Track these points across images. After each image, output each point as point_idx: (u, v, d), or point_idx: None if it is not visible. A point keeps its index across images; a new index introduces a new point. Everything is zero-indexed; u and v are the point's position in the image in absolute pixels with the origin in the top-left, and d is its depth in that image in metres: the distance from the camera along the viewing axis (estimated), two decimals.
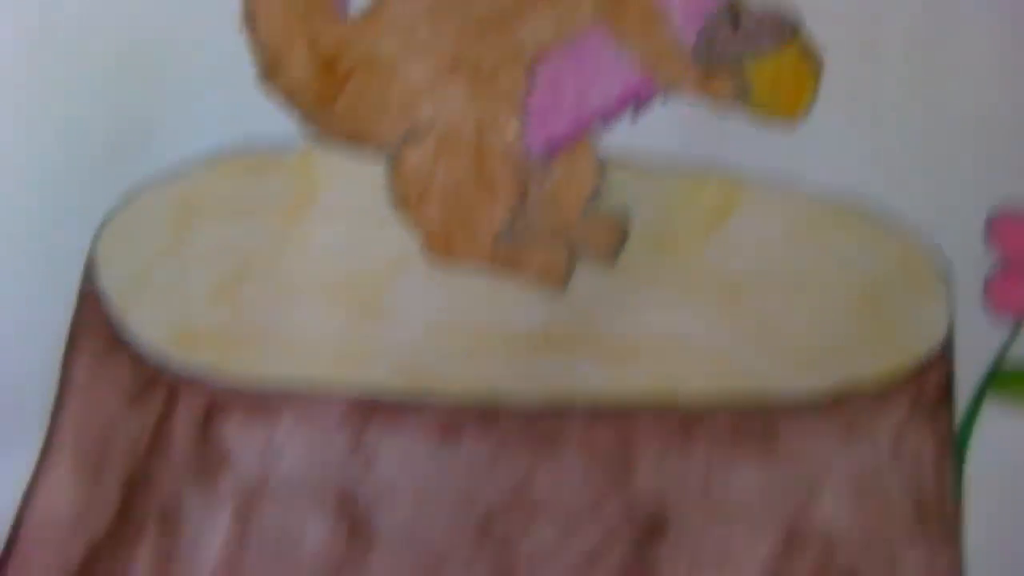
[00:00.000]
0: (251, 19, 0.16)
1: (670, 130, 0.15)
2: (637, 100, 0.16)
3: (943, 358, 0.15)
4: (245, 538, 0.15)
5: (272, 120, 0.16)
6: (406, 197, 0.16)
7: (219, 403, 0.16)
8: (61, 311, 0.16)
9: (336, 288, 0.15)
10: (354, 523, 0.15)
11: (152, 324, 0.16)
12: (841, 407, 0.15)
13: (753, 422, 0.15)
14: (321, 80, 0.16)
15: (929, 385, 0.15)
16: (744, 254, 0.15)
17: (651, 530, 0.15)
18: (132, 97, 0.16)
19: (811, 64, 0.16)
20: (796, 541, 0.15)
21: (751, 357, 0.15)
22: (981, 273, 0.15)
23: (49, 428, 0.16)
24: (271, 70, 0.16)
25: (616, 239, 0.15)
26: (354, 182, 0.16)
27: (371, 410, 0.15)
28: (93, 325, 0.16)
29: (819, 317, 0.15)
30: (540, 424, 0.15)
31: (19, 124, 0.16)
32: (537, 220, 0.15)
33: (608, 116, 0.16)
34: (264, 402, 0.16)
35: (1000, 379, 0.15)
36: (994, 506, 0.15)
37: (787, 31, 0.16)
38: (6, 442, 0.16)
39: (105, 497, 0.16)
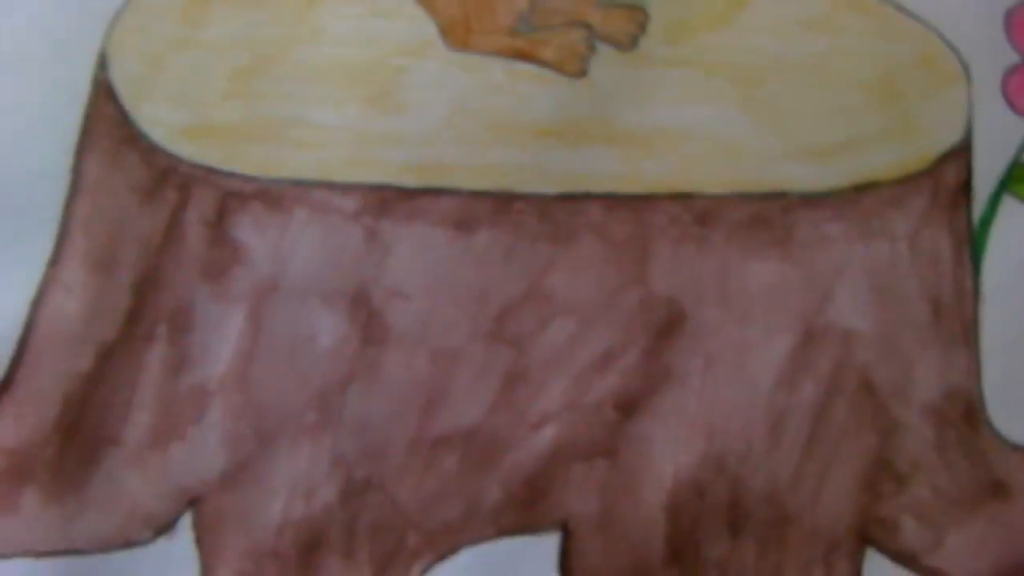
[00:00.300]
0: None
1: None
2: None
3: (961, 154, 0.15)
4: (257, 339, 0.16)
5: None
6: None
7: (232, 198, 0.16)
8: (73, 108, 0.16)
9: (351, 78, 0.15)
10: (368, 321, 0.15)
11: (165, 119, 0.16)
12: (858, 201, 0.15)
13: (769, 215, 0.15)
14: None
15: (947, 181, 0.15)
16: (761, 45, 0.15)
17: (668, 326, 0.15)
18: None
19: None
20: (813, 338, 0.15)
21: (767, 149, 0.15)
22: (1000, 69, 0.15)
23: (60, 227, 0.16)
24: None
25: (634, 27, 0.15)
26: None
27: (386, 202, 0.16)
28: (105, 121, 0.16)
29: (836, 109, 0.15)
30: (556, 214, 0.15)
31: None
32: (555, 7, 0.15)
33: None
34: (278, 196, 0.16)
35: (1019, 177, 0.15)
36: (1010, 307, 0.15)
37: None
38: (18, 242, 0.16)
39: (116, 299, 0.16)
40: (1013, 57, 0.15)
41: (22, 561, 0.15)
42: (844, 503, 0.15)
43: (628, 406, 0.15)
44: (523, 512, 0.15)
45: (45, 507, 0.15)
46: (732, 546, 0.15)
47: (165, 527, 0.15)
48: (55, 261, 0.16)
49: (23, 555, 0.15)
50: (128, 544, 0.15)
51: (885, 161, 0.15)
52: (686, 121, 0.15)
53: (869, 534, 0.15)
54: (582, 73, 0.16)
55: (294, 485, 0.15)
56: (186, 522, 0.15)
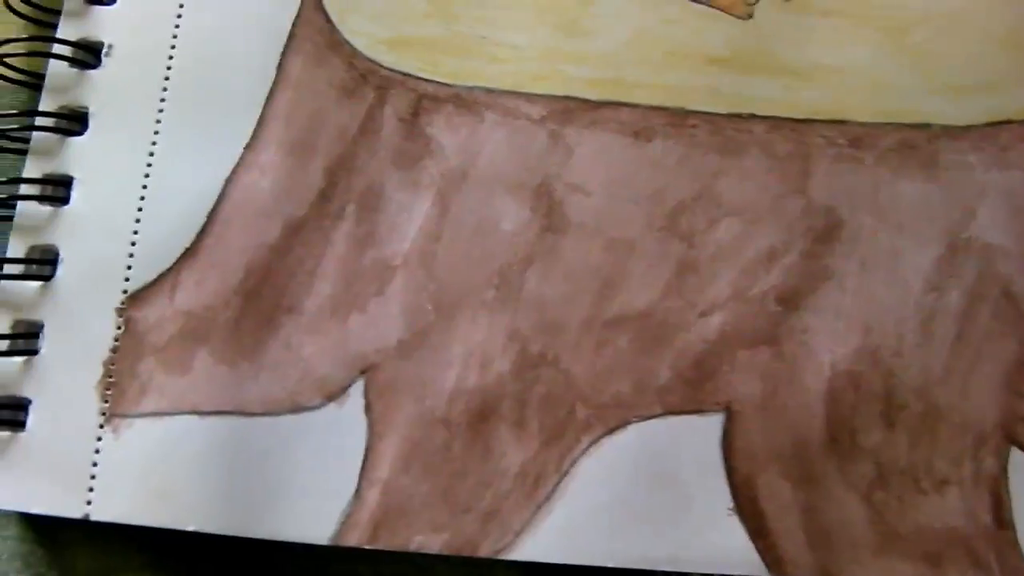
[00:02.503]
0: None
1: None
2: None
3: None
4: (443, 222, 0.19)
5: None
6: None
7: (427, 99, 0.20)
8: (285, 14, 0.20)
9: (541, 7, 0.20)
10: (549, 211, 0.19)
11: (367, 30, 0.20)
12: (995, 134, 0.19)
13: (915, 142, 0.19)
14: None
15: None
16: (906, 2, 0.20)
17: (826, 232, 0.19)
18: None
19: None
20: (958, 250, 0.19)
21: (913, 86, 0.19)
22: None
23: (261, 115, 0.20)
24: None
25: None
26: None
27: (569, 111, 0.19)
28: (312, 27, 0.20)
29: (974, 56, 0.20)
30: (724, 130, 0.19)
31: None
32: None
33: None
34: (470, 100, 0.19)
35: None
36: None
37: None
38: (220, 126, 0.19)
39: (309, 180, 0.19)
40: None
41: (188, 418, 0.18)
42: (990, 401, 0.18)
43: (789, 300, 0.18)
44: (689, 392, 0.18)
45: (216, 368, 0.18)
46: (886, 436, 0.18)
47: (336, 393, 0.18)
48: (252, 145, 0.19)
49: (189, 413, 0.18)
50: (296, 409, 0.18)
51: (1017, 102, 0.19)
52: (840, 60, 0.19)
53: (1013, 432, 0.18)
54: (748, 16, 0.20)
55: (469, 356, 0.18)
56: (356, 390, 0.18)
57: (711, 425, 0.17)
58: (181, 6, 0.20)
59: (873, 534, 0.17)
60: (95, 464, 0.17)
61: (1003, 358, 0.18)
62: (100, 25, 0.19)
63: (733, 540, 0.17)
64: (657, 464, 0.17)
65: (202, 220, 0.18)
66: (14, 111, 0.20)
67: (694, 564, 0.17)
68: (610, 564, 0.17)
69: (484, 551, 0.17)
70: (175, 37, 0.19)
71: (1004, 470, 0.18)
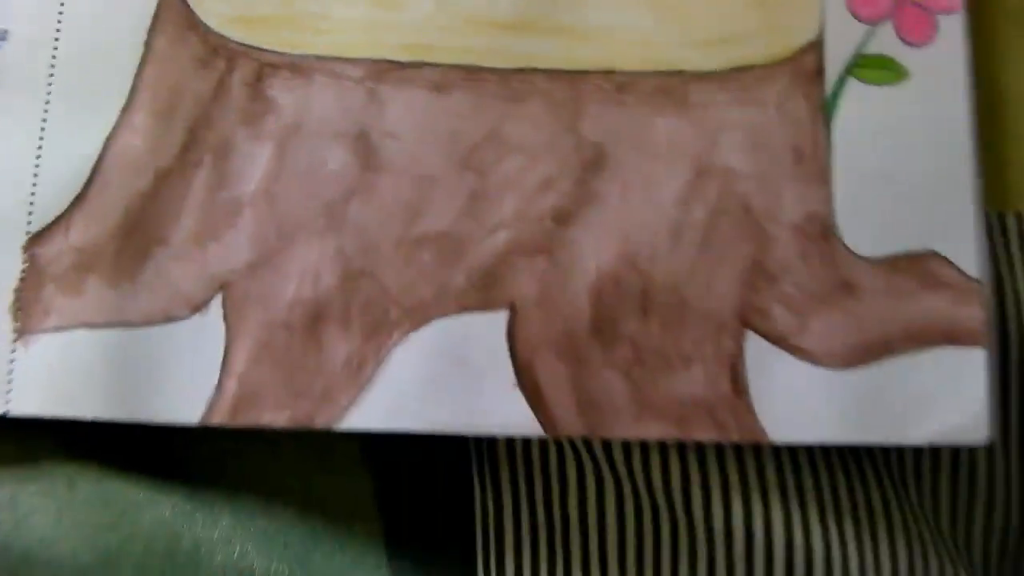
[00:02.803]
0: None
1: None
2: None
3: (816, 45, 0.24)
4: (281, 166, 0.24)
5: None
6: None
7: (267, 67, 0.24)
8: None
9: None
10: (367, 154, 0.24)
11: (218, 10, 0.25)
12: (738, 77, 0.24)
13: (671, 86, 0.24)
14: None
15: (806, 65, 0.24)
16: None
17: (594, 163, 0.24)
18: None
19: None
20: (703, 174, 0.23)
21: (670, 39, 0.24)
22: None
23: (132, 85, 0.24)
24: None
25: None
26: None
27: (384, 71, 0.24)
28: (172, 10, 0.24)
29: (724, 12, 0.24)
30: (511, 82, 0.24)
31: None
32: None
33: None
34: (302, 66, 0.24)
35: (858, 63, 0.24)
36: (852, 154, 0.24)
37: None
38: (98, 95, 0.24)
39: (172, 136, 0.24)
40: None
41: (81, 331, 0.23)
42: (728, 295, 0.23)
43: (562, 219, 0.23)
44: (480, 294, 0.23)
45: (103, 290, 0.23)
46: (642, 324, 0.23)
47: (199, 306, 0.23)
48: (126, 110, 0.24)
49: (82, 327, 0.23)
50: (169, 319, 0.23)
51: (758, 51, 0.24)
52: (610, 20, 0.24)
53: (748, 320, 0.23)
54: None
55: (304, 272, 0.23)
56: (216, 303, 0.23)
57: (498, 319, 0.22)
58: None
59: (631, 403, 0.22)
60: (11, 372, 0.22)
61: (740, 260, 0.23)
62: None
63: (517, 409, 0.22)
64: (455, 351, 0.22)
65: (88, 173, 0.23)
66: None
67: (487, 428, 0.22)
68: (418, 428, 0.22)
69: (319, 423, 0.22)
70: (59, 23, 0.24)
71: (741, 349, 0.22)
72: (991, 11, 0.25)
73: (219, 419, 0.22)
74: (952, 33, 0.24)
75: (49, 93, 0.24)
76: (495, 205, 0.22)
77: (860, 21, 0.24)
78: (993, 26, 0.25)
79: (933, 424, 0.22)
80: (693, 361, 0.22)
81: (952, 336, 0.22)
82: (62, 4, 0.24)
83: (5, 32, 0.24)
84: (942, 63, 0.23)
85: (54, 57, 0.24)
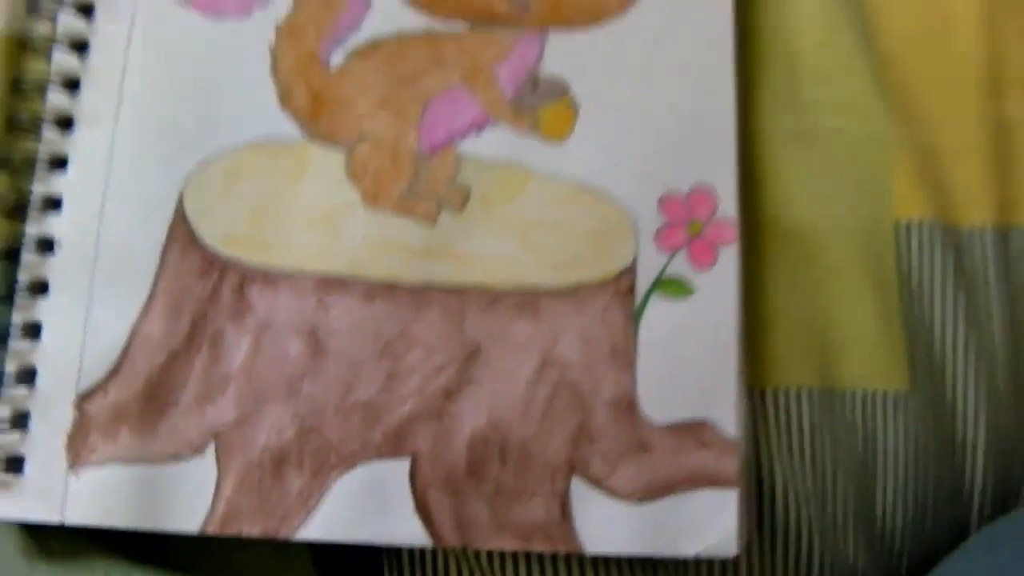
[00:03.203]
0: (274, 68, 0.37)
1: (494, 139, 0.36)
2: (481, 125, 0.37)
3: (631, 270, 0.36)
4: (256, 351, 0.35)
5: (286, 125, 0.36)
6: (354, 172, 0.36)
7: (248, 277, 0.36)
8: (164, 219, 0.36)
9: (315, 223, 0.36)
10: (316, 345, 0.35)
11: (214, 233, 0.36)
12: (575, 293, 0.36)
13: (528, 300, 0.36)
14: (311, 106, 0.37)
15: (622, 284, 0.36)
16: (534, 209, 0.36)
17: (472, 355, 0.35)
18: (205, 107, 0.37)
19: (573, 109, 0.37)
20: (547, 364, 0.35)
21: (530, 265, 0.36)
22: (654, 226, 0.36)
23: (151, 286, 0.36)
24: (284, 98, 0.37)
25: (463, 198, 0.36)
26: (329, 166, 0.36)
27: (328, 284, 0.35)
28: (181, 230, 0.36)
29: (567, 247, 0.36)
30: (417, 295, 0.35)
31: (147, 121, 0.36)
32: (422, 185, 0.36)
33: (464, 133, 0.37)
34: (272, 276, 0.36)
35: (660, 284, 0.36)
36: (652, 350, 0.36)
37: (561, 90, 0.37)
38: (127, 294, 0.35)
39: (180, 326, 0.35)
40: (661, 219, 0.36)
41: (116, 465, 0.34)
42: (561, 450, 0.35)
43: (449, 394, 0.35)
44: (391, 446, 0.34)
45: (131, 437, 0.34)
46: (500, 469, 0.34)
47: (199, 449, 0.34)
48: (147, 305, 0.35)
49: (116, 462, 0.35)
50: (177, 458, 0.34)
51: (591, 273, 0.36)
52: (487, 249, 0.35)
53: (575, 467, 0.35)
54: (434, 222, 0.36)
55: (271, 428, 0.34)
56: (211, 447, 0.35)
57: (403, 465, 0.34)
58: (100, 217, 0.35)
59: (492, 524, 0.34)
60: (65, 494, 0.34)
61: (570, 426, 0.34)
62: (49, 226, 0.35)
63: (415, 528, 0.34)
64: (374, 486, 0.34)
65: (120, 351, 0.34)
66: None
67: (395, 541, 0.34)
68: (348, 540, 0.34)
69: (281, 535, 0.34)
70: (98, 237, 0.35)
71: (568, 487, 0.34)
72: (763, 236, 0.37)
73: (212, 530, 0.33)
74: (729, 259, 0.35)
75: (91, 290, 0.35)
76: (403, 384, 0.34)
77: (662, 251, 0.35)
78: (762, 247, 0.37)
79: (700, 542, 0.34)
80: (535, 496, 0.34)
81: (715, 480, 0.34)
82: (99, 223, 0.35)
83: (59, 240, 0.35)
84: (720, 282, 0.35)
85: (95, 262, 0.35)
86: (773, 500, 0.35)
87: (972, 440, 0.36)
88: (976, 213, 0.37)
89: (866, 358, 0.36)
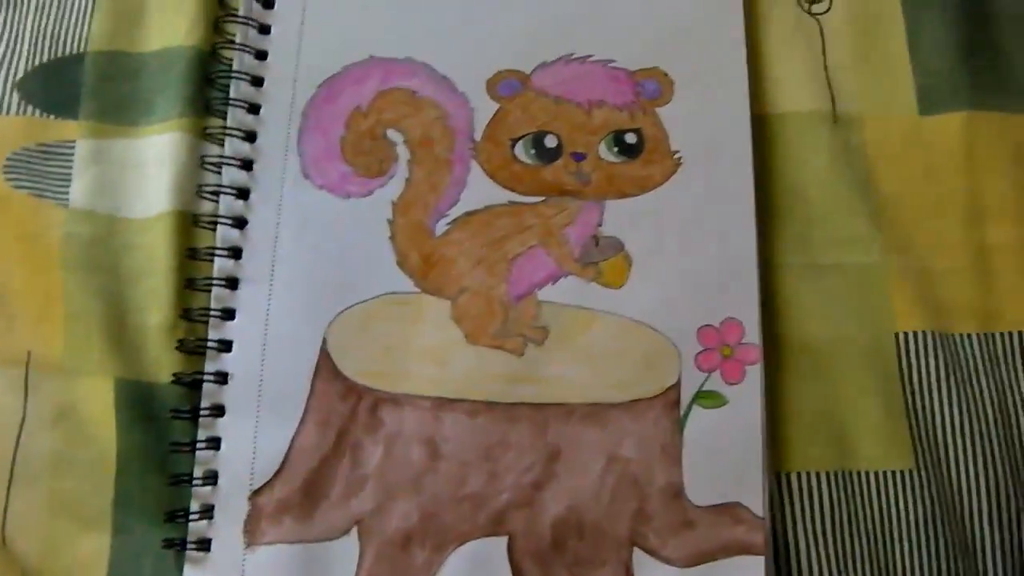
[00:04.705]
0: (392, 237, 0.65)
1: (566, 288, 0.64)
2: (556, 276, 0.65)
3: (676, 386, 0.62)
4: (387, 457, 0.62)
5: (403, 282, 0.64)
6: (458, 317, 0.64)
7: (379, 400, 0.63)
8: (314, 357, 0.64)
9: (430, 357, 0.63)
10: (433, 451, 0.62)
11: (351, 367, 0.63)
12: (633, 406, 0.62)
13: (597, 411, 0.62)
14: (423, 266, 0.65)
15: (670, 398, 0.61)
16: (599, 342, 0.63)
17: (554, 456, 0.61)
18: (341, 269, 0.65)
19: (628, 261, 0.64)
20: (612, 460, 0.61)
21: (598, 385, 0.62)
22: (694, 352, 0.63)
23: (304, 407, 0.63)
24: (401, 261, 0.65)
25: (543, 335, 0.63)
26: (439, 313, 0.64)
27: (442, 404, 0.61)
28: (325, 365, 0.64)
29: (625, 371, 0.63)
30: (510, 411, 0.62)
31: (296, 281, 0.65)
32: (511, 326, 0.64)
33: (543, 283, 0.64)
34: (399, 400, 0.62)
35: (700, 396, 0.63)
36: (695, 450, 0.62)
37: (618, 247, 0.65)
38: (287, 417, 0.63)
39: (328, 439, 0.61)
40: (700, 346, 0.63)
41: (281, 545, 0.60)
42: (624, 528, 0.61)
43: (536, 487, 0.60)
44: (493, 528, 0.59)
45: (293, 523, 0.60)
46: (578, 543, 0.60)
47: (345, 531, 0.60)
48: (302, 421, 0.62)
49: (281, 543, 0.61)
50: (329, 539, 0.60)
51: (645, 390, 0.62)
52: (564, 373, 0.62)
53: (635, 541, 0.61)
54: (522, 354, 0.64)
55: (401, 515, 0.61)
56: (354, 530, 0.62)
57: (503, 542, 0.60)
58: (262, 356, 0.63)
59: None
60: (243, 565, 0.61)
61: (631, 508, 0.60)
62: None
63: None
64: (480, 560, 0.61)
65: (282, 459, 0.61)
66: None
67: None
68: None
69: None
70: (263, 367, 0.63)
71: (631, 556, 0.61)
72: (784, 351, 0.64)
73: None
74: (754, 375, 0.61)
75: (258, 411, 0.62)
76: (501, 480, 0.60)
77: (700, 371, 0.62)
78: (783, 360, 0.63)
79: None
80: (606, 564, 0.59)
81: (747, 550, 0.59)
82: (262, 361, 0.63)
83: (231, 374, 0.63)
84: (748, 393, 0.61)
85: (260, 389, 0.63)
86: (799, 563, 0.60)
87: (975, 507, 0.53)
88: (964, 322, 0.57)
89: (875, 443, 0.54)
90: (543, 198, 0.60)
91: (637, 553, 0.56)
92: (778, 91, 0.64)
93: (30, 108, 0.63)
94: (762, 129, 0.61)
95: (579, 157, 0.60)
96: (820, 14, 0.64)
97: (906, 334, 0.59)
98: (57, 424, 0.56)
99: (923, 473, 0.58)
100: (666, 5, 0.64)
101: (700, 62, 0.63)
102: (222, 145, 0.60)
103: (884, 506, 0.58)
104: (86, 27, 0.66)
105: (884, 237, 0.61)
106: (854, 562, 0.57)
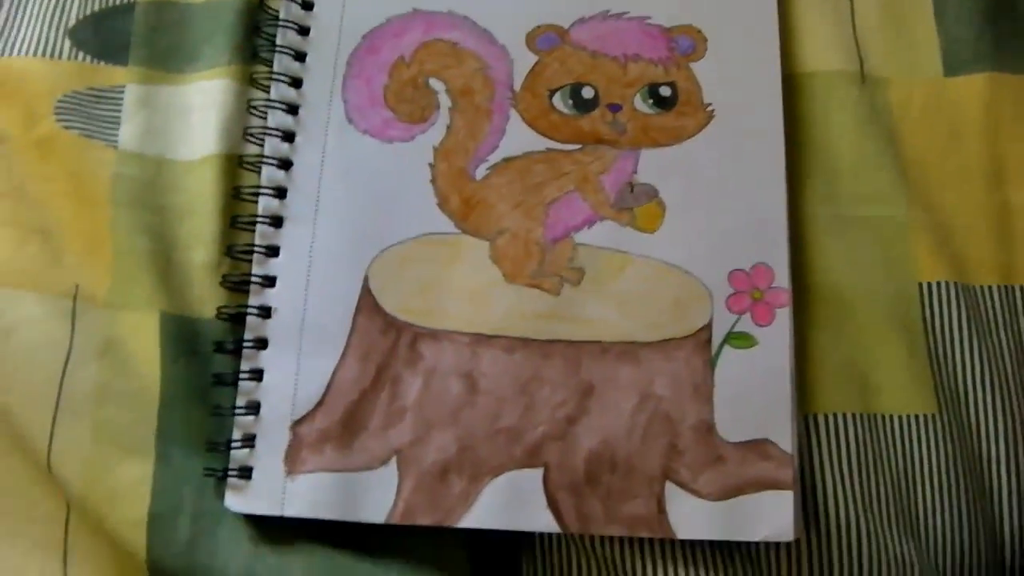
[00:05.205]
0: (434, 180, 0.68)
1: (602, 232, 0.66)
2: (591, 221, 0.67)
3: (707, 327, 0.64)
4: (426, 390, 0.64)
5: (443, 223, 0.67)
6: (496, 257, 0.66)
7: (418, 335, 0.65)
8: (355, 294, 0.66)
9: (468, 295, 0.66)
10: (471, 385, 0.63)
11: (392, 303, 0.66)
12: (665, 346, 0.65)
13: (630, 350, 0.64)
14: (463, 209, 0.67)
15: (701, 338, 0.63)
16: (633, 283, 0.66)
17: (587, 392, 0.63)
18: (382, 210, 0.68)
19: (661, 208, 0.67)
20: (645, 398, 0.63)
21: (630, 325, 0.65)
22: (725, 294, 0.66)
23: (345, 343, 0.65)
24: (441, 203, 0.68)
25: (579, 276, 0.66)
26: (478, 253, 0.67)
27: (479, 340, 0.63)
28: (366, 300, 0.66)
29: (658, 311, 0.66)
30: (545, 348, 0.64)
31: (339, 221, 0.67)
32: (548, 267, 0.66)
33: (579, 227, 0.67)
34: (437, 334, 0.65)
35: (731, 337, 0.65)
36: (726, 388, 0.64)
37: (652, 194, 0.67)
38: (329, 350, 0.65)
39: (368, 372, 0.63)
40: (731, 289, 0.66)
41: (322, 473, 0.61)
42: (657, 462, 0.62)
43: (571, 420, 0.62)
44: (529, 460, 0.61)
45: (334, 452, 0.61)
46: (611, 477, 0.62)
47: (385, 461, 0.62)
48: (343, 356, 0.64)
49: (322, 471, 0.63)
50: (369, 468, 0.61)
51: (676, 330, 0.65)
52: (597, 313, 0.64)
53: (667, 474, 0.62)
54: (558, 293, 0.66)
55: (438, 447, 0.62)
56: (393, 460, 0.64)
57: (538, 473, 0.62)
58: (306, 291, 0.66)
59: (605, 517, 0.61)
60: (284, 493, 0.63)
61: (663, 444, 0.62)
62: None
63: (547, 519, 0.62)
64: (515, 489, 0.62)
65: (323, 390, 0.62)
66: None
67: (533, 528, 0.63)
68: (497, 526, 0.62)
69: (448, 523, 0.62)
70: (305, 305, 0.66)
71: (663, 489, 0.63)
72: (812, 298, 0.66)
73: (395, 520, 0.61)
74: (784, 318, 0.63)
75: (300, 345, 0.65)
76: (536, 414, 0.63)
77: (731, 312, 0.65)
78: (811, 307, 0.66)
79: (764, 530, 0.62)
80: (638, 496, 0.62)
81: (776, 484, 0.61)
82: (305, 296, 0.66)
83: (275, 308, 0.66)
84: (777, 335, 0.63)
85: (302, 324, 0.65)
86: (825, 501, 0.62)
87: (994, 454, 0.56)
88: (985, 275, 0.60)
89: (899, 389, 0.57)
90: (580, 146, 0.62)
91: (669, 486, 0.58)
92: (808, 51, 0.67)
93: (81, 54, 0.66)
94: (792, 87, 0.65)
95: (615, 108, 0.63)
96: None
97: (929, 284, 0.62)
98: (103, 356, 0.57)
99: (945, 418, 0.61)
100: None
101: (733, 21, 0.65)
102: (268, 92, 0.63)
103: (907, 449, 0.61)
104: None
105: (908, 193, 0.64)
106: (878, 501, 0.60)
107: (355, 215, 0.62)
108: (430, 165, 0.63)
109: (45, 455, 0.56)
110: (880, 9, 0.64)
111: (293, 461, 0.59)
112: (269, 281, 0.61)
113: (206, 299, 0.60)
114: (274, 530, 0.60)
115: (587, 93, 0.63)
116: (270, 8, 0.62)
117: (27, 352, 0.58)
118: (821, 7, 0.64)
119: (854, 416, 0.62)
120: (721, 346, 0.59)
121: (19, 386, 0.56)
